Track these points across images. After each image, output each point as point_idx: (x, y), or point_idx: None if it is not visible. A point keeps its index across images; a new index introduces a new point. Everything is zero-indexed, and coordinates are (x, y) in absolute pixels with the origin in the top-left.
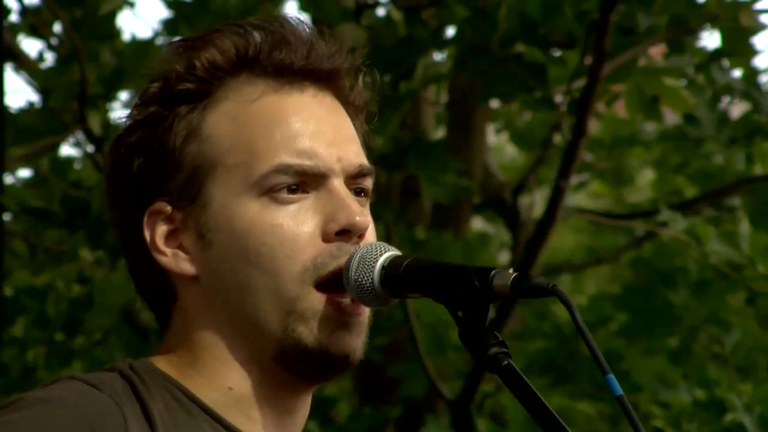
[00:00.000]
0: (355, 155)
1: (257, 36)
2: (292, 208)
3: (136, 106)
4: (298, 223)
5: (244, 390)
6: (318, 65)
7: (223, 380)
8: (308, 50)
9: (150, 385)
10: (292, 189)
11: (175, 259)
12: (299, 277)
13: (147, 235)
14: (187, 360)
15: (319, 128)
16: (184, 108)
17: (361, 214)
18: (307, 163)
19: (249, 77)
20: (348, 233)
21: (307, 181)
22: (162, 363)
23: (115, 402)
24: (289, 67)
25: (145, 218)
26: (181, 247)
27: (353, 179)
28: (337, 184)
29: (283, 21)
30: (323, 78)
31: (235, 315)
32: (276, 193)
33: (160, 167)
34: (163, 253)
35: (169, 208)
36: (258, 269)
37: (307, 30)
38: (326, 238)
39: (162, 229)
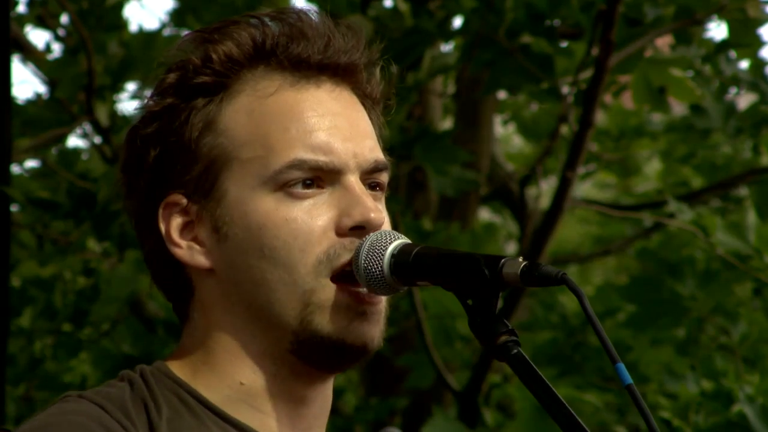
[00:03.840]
0: (371, 150)
1: (274, 28)
2: (306, 203)
3: (152, 96)
4: (312, 216)
5: (256, 384)
6: (335, 60)
7: (235, 375)
8: (325, 44)
9: (156, 392)
10: (307, 184)
11: (190, 252)
12: (314, 270)
13: (162, 227)
14: (201, 358)
15: (334, 123)
16: (201, 101)
17: (375, 210)
18: (322, 158)
19: (266, 70)
20: (362, 229)
21: (322, 176)
22: (175, 365)
23: (123, 426)
24: (306, 61)
25: (161, 210)
26: (196, 240)
27: (368, 174)
28: (353, 179)
29: (300, 13)
30: (340, 72)
31: (250, 308)
32: (291, 188)
33: (176, 159)
34: (178, 246)
35: (184, 201)
36: (273, 263)
37: (324, 23)
38: (340, 232)
39: (177, 221)
